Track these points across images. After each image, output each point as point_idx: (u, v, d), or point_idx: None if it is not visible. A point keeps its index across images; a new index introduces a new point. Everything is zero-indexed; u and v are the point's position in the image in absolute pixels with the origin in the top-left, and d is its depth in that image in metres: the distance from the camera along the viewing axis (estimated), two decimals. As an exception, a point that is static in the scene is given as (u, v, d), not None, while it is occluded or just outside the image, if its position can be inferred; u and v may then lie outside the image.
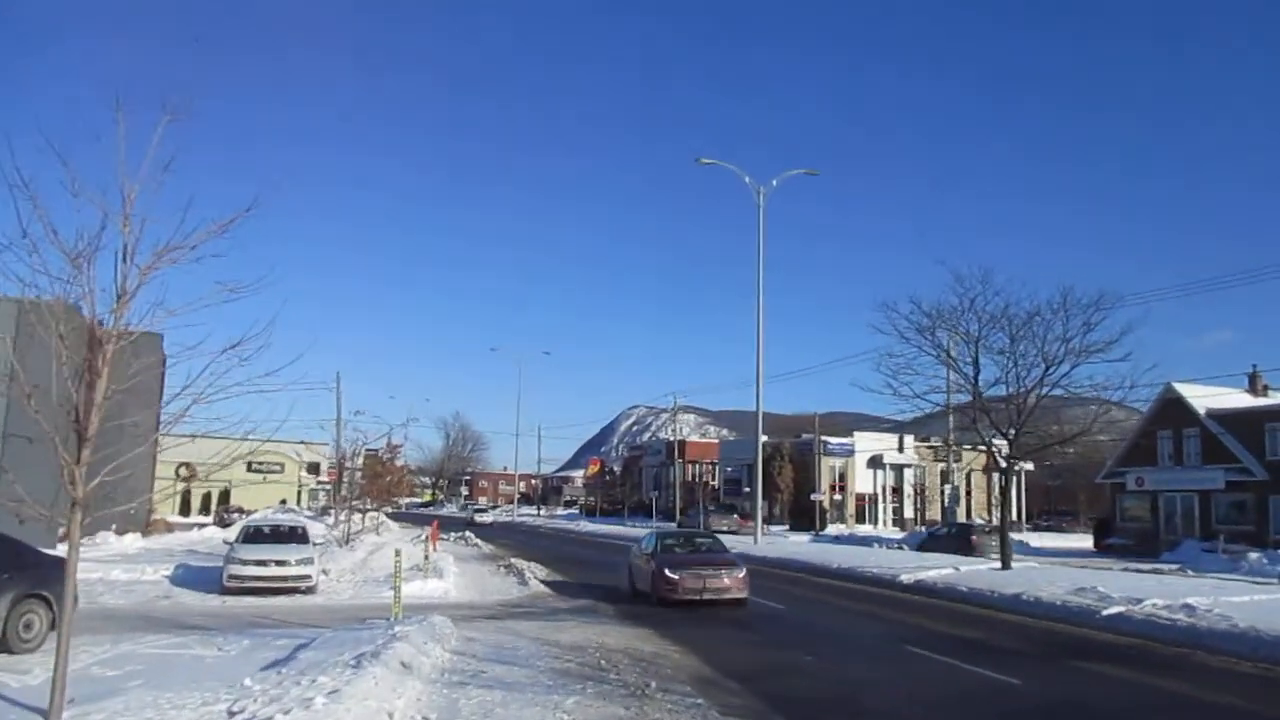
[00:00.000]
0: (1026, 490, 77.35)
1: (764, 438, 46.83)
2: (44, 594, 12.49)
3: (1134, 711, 10.65)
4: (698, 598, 19.29)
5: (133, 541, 34.71)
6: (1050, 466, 75.78)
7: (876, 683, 12.10)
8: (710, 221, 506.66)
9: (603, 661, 12.66)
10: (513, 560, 30.91)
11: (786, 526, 66.97)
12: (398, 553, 16.47)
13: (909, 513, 74.67)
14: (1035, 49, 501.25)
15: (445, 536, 42.86)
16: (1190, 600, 17.33)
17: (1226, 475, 44.14)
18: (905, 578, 25.66)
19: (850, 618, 19.00)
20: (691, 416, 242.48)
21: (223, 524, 50.09)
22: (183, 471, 67.82)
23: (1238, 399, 47.27)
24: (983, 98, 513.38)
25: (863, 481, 75.60)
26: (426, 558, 24.58)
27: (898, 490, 76.30)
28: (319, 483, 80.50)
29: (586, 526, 71.43)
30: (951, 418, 47.25)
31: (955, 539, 39.62)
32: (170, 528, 46.70)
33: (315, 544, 25.16)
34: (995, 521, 62.57)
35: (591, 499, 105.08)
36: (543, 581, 25.72)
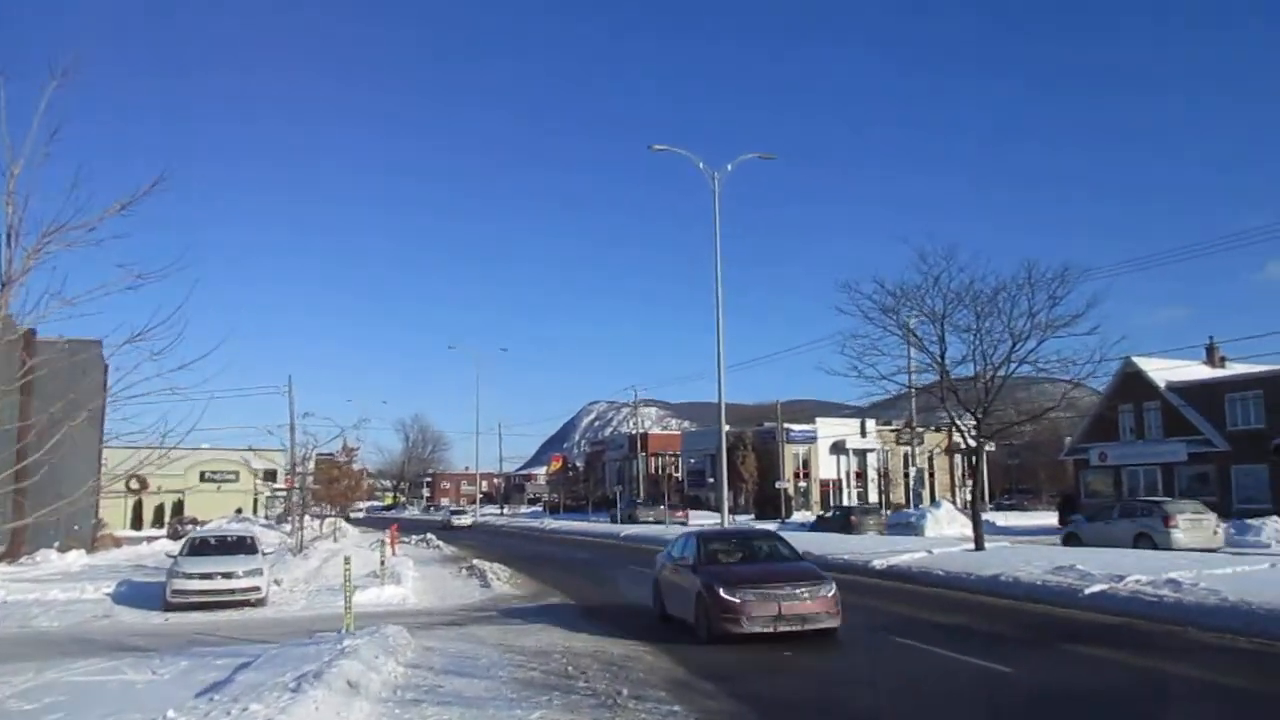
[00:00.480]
0: (988, 470, 77.59)
1: (726, 427, 46.20)
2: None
3: (1144, 701, 9.94)
4: (771, 629, 13.34)
5: (76, 559, 33.16)
6: (1009, 445, 76.11)
7: (865, 680, 11.38)
8: (664, 215, 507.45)
9: (570, 668, 11.81)
10: (475, 562, 29.94)
11: (752, 516, 66.48)
12: (347, 560, 15.46)
13: (873, 497, 74.55)
14: (983, 28, 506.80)
15: (406, 539, 41.78)
16: (1173, 575, 16.82)
17: (1188, 447, 44.28)
18: (878, 563, 25.08)
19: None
20: (653, 410, 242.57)
21: (175, 536, 48.31)
22: (133, 484, 66.12)
23: (1196, 371, 47.48)
24: (939, 79, 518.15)
25: (826, 468, 75.47)
26: (383, 563, 23.55)
27: (861, 475, 76.19)
28: (274, 490, 78.71)
29: (551, 524, 70.55)
30: (914, 400, 46.95)
31: (838, 520, 44.90)
32: (119, 542, 45.05)
33: (265, 553, 24.05)
34: (954, 501, 62.78)
35: (555, 496, 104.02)
36: (506, 583, 24.83)
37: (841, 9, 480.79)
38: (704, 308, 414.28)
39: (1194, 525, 28.80)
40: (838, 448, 75.03)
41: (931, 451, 73.27)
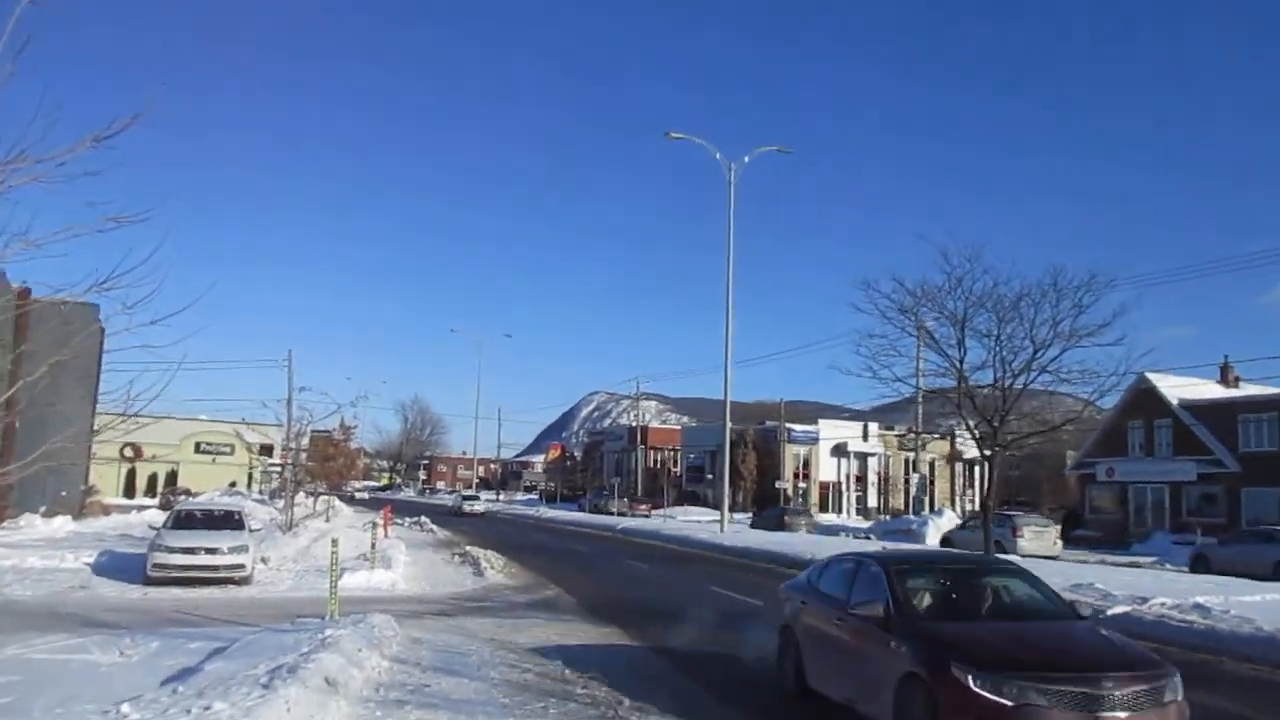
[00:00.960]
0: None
1: (729, 424, 45.34)
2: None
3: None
4: None
5: (62, 525, 32.32)
6: (1012, 456, 75.20)
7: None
8: (674, 209, 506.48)
9: (567, 670, 11.03)
10: (468, 548, 29.14)
11: (750, 515, 65.63)
12: (335, 542, 14.66)
13: (873, 501, 73.80)
14: (1007, 42, 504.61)
15: (399, 522, 41.01)
16: (1200, 599, 16.04)
17: (1198, 467, 43.47)
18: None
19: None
20: (653, 403, 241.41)
21: (166, 506, 47.51)
22: (128, 452, 65.32)
23: (1210, 390, 46.68)
24: (965, 92, 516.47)
25: (827, 470, 74.61)
26: (374, 546, 22.76)
27: (861, 479, 75.38)
28: (269, 465, 77.99)
29: (547, 512, 69.78)
30: (921, 405, 46.17)
31: (773, 519, 49.22)
32: (107, 510, 44.18)
33: (254, 530, 23.27)
34: (960, 512, 61.83)
35: (552, 484, 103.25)
36: (500, 572, 24.03)
37: (874, 23, 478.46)
38: (707, 304, 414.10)
39: None
40: (839, 450, 74.21)
41: (934, 459, 72.46)
